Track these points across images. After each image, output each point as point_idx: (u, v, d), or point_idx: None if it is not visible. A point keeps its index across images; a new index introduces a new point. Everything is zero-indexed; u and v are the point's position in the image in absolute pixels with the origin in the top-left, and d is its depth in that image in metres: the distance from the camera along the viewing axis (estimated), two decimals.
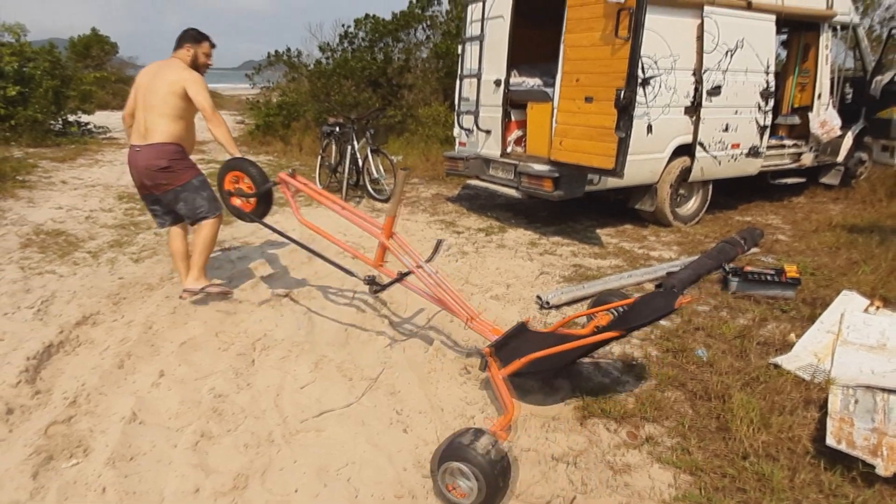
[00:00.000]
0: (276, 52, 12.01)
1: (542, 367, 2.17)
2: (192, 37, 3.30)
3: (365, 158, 6.10)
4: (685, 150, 5.15)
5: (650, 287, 3.66)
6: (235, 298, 3.29)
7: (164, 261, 3.85)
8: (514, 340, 2.36)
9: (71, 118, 10.29)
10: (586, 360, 2.61)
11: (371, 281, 2.77)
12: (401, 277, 2.72)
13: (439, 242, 2.90)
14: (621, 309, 2.52)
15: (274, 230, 3.12)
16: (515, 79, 5.57)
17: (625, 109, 4.12)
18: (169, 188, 3.15)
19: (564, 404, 2.29)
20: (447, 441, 1.79)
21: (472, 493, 1.72)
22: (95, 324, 2.89)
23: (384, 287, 2.77)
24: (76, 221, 4.67)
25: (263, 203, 3.15)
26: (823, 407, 2.16)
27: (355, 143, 6.09)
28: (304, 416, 2.21)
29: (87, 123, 10.51)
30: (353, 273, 2.86)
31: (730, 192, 5.97)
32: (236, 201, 3.18)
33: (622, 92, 4.10)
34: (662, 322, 3.09)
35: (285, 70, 12.35)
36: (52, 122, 9.73)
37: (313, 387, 2.42)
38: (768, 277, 3.54)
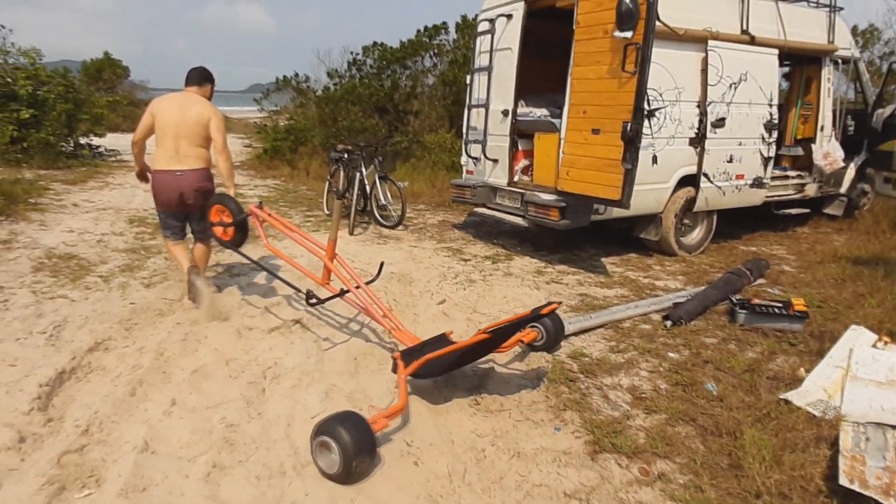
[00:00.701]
0: (285, 76, 12.21)
1: (436, 368, 2.51)
2: (209, 77, 3.82)
3: (373, 185, 6.17)
4: (690, 181, 5.21)
5: (657, 318, 3.68)
6: (246, 325, 3.31)
7: (174, 286, 3.89)
8: (429, 348, 2.60)
9: (83, 141, 10.43)
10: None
11: (310, 295, 3.11)
12: (340, 294, 3.13)
13: (381, 264, 3.41)
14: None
15: (244, 256, 3.57)
16: (523, 109, 5.66)
17: (631, 142, 4.19)
18: (202, 208, 3.61)
19: (575, 437, 2.29)
20: (328, 416, 2.10)
21: (334, 465, 2.00)
22: (107, 350, 2.91)
23: (322, 301, 3.14)
24: (88, 245, 4.72)
25: (240, 232, 3.55)
26: (835, 444, 2.16)
27: (364, 169, 6.17)
28: None
29: (98, 146, 10.65)
30: (296, 288, 3.39)
31: (734, 222, 6.01)
32: (218, 230, 3.58)
33: (629, 124, 4.17)
34: (671, 354, 3.11)
35: (293, 95, 12.55)
36: (64, 144, 9.86)
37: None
38: (776, 310, 3.56)
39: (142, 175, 3.75)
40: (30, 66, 9.47)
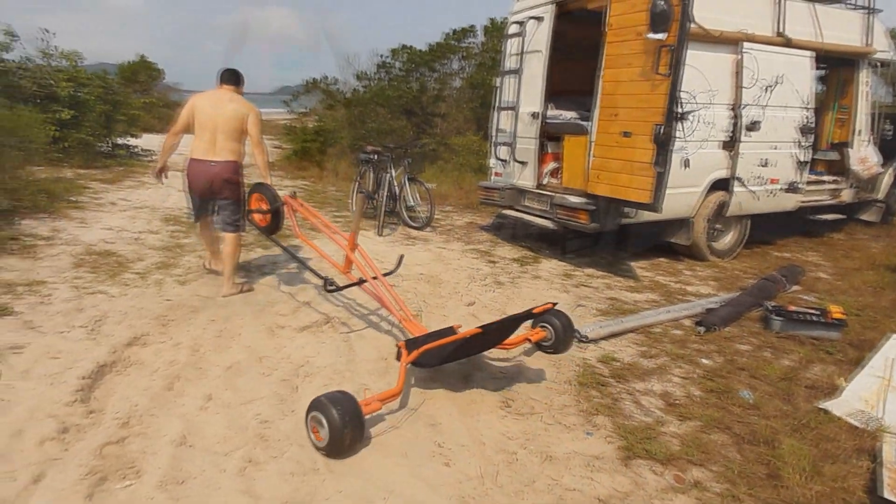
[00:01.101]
0: (314, 79, 12.36)
1: (435, 358, 2.60)
2: (241, 78, 4.05)
3: (402, 186, 6.21)
4: (722, 185, 5.12)
5: (688, 324, 3.62)
6: (277, 324, 3.36)
7: (208, 283, 3.96)
8: (432, 338, 2.68)
9: (119, 141, 10.69)
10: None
11: (330, 282, 3.41)
12: (358, 283, 3.42)
13: (401, 258, 3.65)
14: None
15: (276, 242, 4.08)
16: (552, 111, 5.63)
17: (663, 145, 4.14)
18: (228, 198, 3.87)
19: (607, 442, 2.27)
20: (322, 395, 2.24)
21: (324, 440, 2.15)
22: (145, 345, 2.98)
23: (340, 288, 3.42)
24: (125, 242, 4.84)
25: (275, 219, 3.89)
26: (876, 455, 2.11)
27: (392, 171, 6.21)
28: None
29: (134, 146, 10.91)
30: (319, 274, 3.65)
31: (767, 228, 5.89)
32: (256, 216, 3.96)
33: (661, 128, 4.12)
34: (704, 361, 3.06)
35: (321, 97, 12.69)
36: (102, 144, 10.13)
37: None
38: (812, 317, 3.48)
39: (161, 172, 4.01)
40: (70, 69, 9.74)
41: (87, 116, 9.41)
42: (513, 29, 5.64)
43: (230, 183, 3.82)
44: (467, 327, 2.95)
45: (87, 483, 1.91)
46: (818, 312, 3.49)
